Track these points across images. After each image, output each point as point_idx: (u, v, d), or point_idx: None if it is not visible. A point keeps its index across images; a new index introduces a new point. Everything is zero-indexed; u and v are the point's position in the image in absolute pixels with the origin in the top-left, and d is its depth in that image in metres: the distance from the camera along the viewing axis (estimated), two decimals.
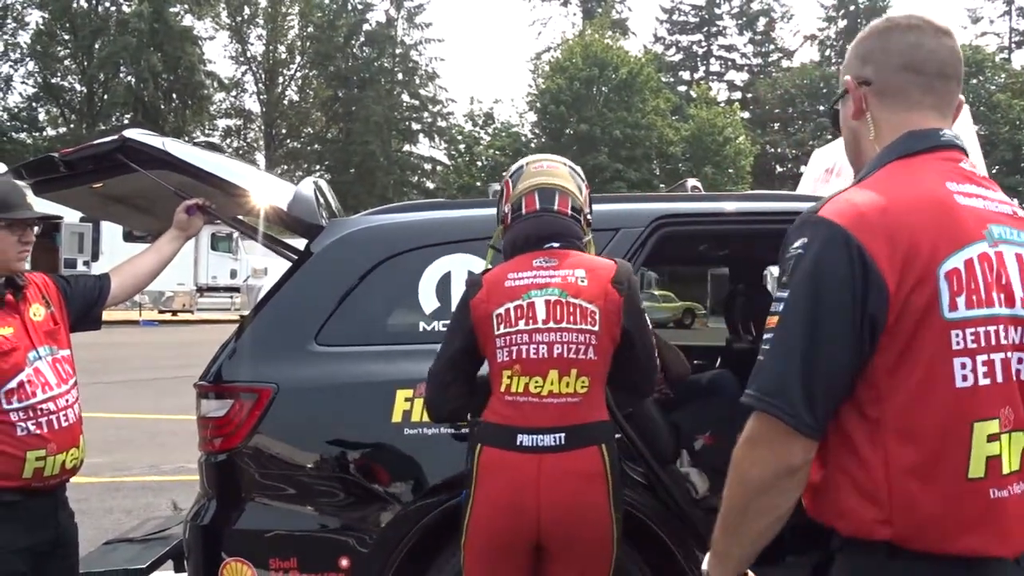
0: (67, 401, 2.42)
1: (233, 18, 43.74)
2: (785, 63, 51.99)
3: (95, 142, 2.91)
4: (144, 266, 2.82)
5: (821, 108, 47.63)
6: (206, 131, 43.88)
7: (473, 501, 2.20)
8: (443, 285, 2.87)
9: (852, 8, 50.26)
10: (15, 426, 2.29)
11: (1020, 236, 1.32)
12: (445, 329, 2.78)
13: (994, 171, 37.09)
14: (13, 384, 2.31)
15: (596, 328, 2.20)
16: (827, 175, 4.02)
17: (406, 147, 48.09)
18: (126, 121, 38.40)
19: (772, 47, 52.35)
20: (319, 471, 2.73)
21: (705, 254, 4.33)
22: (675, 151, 41.43)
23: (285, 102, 47.26)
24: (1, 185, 2.44)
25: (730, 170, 40.18)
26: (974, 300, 1.23)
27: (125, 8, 36.71)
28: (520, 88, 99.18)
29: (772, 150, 47.39)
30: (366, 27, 46.77)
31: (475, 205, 3.22)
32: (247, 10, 44.28)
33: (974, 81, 41.45)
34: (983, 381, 1.22)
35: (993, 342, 1.24)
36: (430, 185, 46.38)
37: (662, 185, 39.24)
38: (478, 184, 40.89)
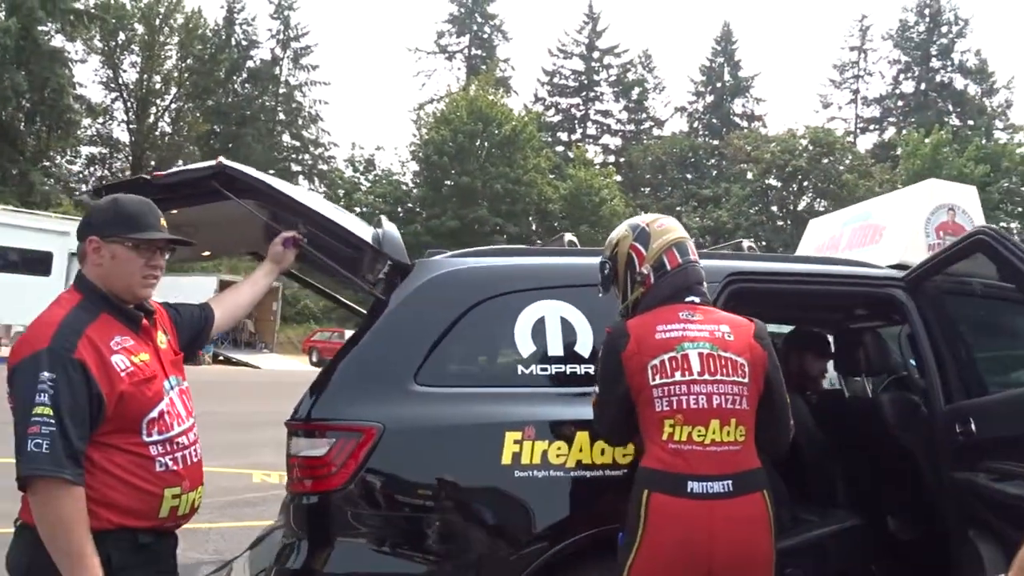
0: (195, 435, 2.30)
1: (107, 42, 41.77)
2: (656, 131, 54.72)
3: (191, 167, 2.83)
4: (243, 297, 2.73)
5: (689, 176, 50.35)
6: (68, 158, 41.47)
7: (640, 545, 2.25)
8: (538, 329, 2.92)
9: (719, 85, 53.75)
10: (154, 461, 2.15)
11: None
12: (543, 373, 2.87)
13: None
14: (155, 414, 2.16)
15: (746, 380, 2.35)
16: (822, 248, 4.41)
17: None
18: None
19: (645, 115, 55.04)
20: (427, 513, 2.68)
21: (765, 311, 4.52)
22: (553, 208, 42.56)
23: (156, 133, 45.34)
24: (134, 203, 2.27)
25: (604, 230, 41.60)
26: None
27: None
28: (403, 137, 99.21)
29: (643, 213, 49.46)
30: (249, 64, 45.83)
31: (563, 253, 3.32)
32: (122, 35, 42.42)
33: (825, 161, 44.99)
34: None
35: None
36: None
37: (539, 240, 40.14)
38: None
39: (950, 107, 51.06)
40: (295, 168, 47.65)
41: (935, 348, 3.19)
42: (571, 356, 2.91)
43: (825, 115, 54.33)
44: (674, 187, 49.88)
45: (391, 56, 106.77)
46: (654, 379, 2.34)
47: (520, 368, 2.88)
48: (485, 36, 54.14)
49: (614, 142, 54.99)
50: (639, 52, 54.75)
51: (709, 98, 54.47)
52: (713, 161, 51.55)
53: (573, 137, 53.47)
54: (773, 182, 46.14)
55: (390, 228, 3.05)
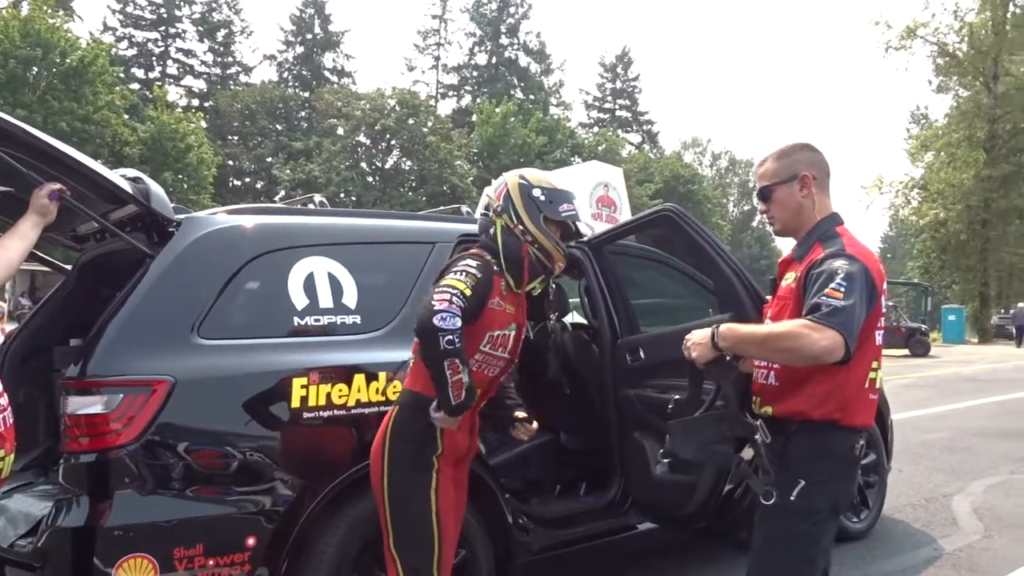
0: (7, 398, 2.20)
1: None
2: (244, 78, 52.82)
3: None
4: (14, 253, 2.55)
5: (280, 127, 49.57)
6: None
7: None
8: (309, 283, 3.17)
9: (309, 37, 53.45)
10: None
11: None
12: (317, 324, 3.15)
13: (424, 200, 43.04)
14: None
15: None
16: None
17: None
18: None
19: (232, 60, 52.71)
20: (224, 458, 2.81)
21: None
22: (132, 152, 39.04)
23: None
24: None
25: (190, 179, 39.41)
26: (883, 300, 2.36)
27: None
28: None
29: (232, 163, 47.61)
30: None
31: (324, 213, 3.53)
32: None
33: (411, 122, 47.46)
34: (880, 342, 2.38)
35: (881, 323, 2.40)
36: None
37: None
38: None
39: (516, 81, 57.03)
40: None
41: (607, 297, 4.07)
42: (340, 308, 3.21)
43: (410, 78, 57.26)
44: (264, 137, 48.79)
45: None
46: None
47: (296, 320, 3.11)
48: None
49: (198, 85, 51.91)
50: None
51: (299, 49, 53.99)
52: (304, 114, 51.36)
53: (151, 75, 49.23)
54: (363, 139, 47.44)
55: (154, 184, 3.05)
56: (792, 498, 2.31)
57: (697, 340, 2.39)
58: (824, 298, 2.19)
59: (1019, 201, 38.49)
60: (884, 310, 2.39)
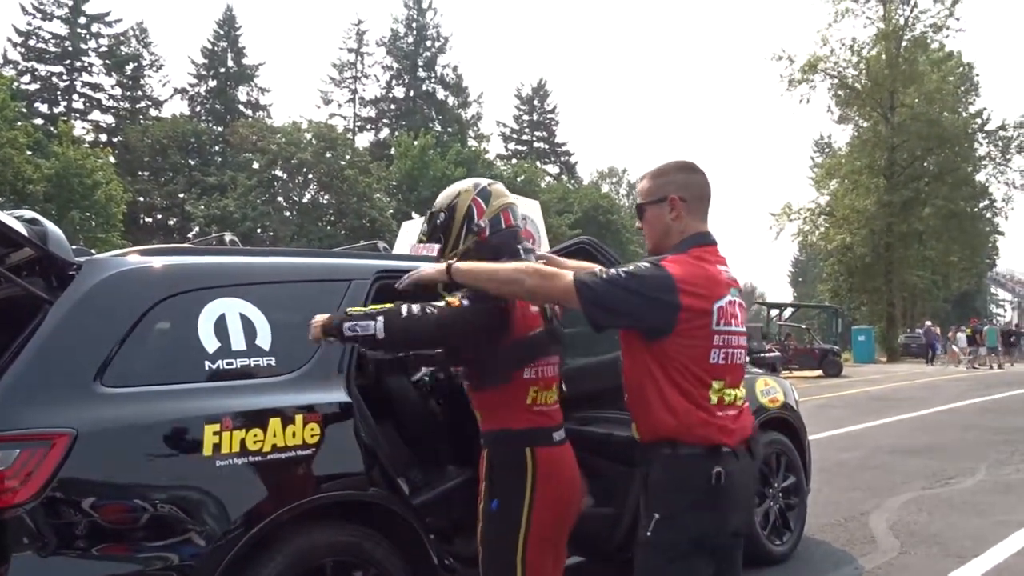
0: None
1: None
2: (155, 112, 51.54)
3: None
4: None
5: (192, 162, 48.44)
6: None
7: (535, 496, 2.61)
8: (220, 325, 3.05)
9: (222, 70, 52.62)
10: None
11: (735, 293, 2.46)
12: (229, 367, 3.04)
13: (343, 234, 42.55)
14: None
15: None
16: (415, 248, 5.09)
17: None
18: None
19: (141, 94, 51.39)
20: (132, 513, 2.64)
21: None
22: (36, 190, 37.52)
23: None
24: None
25: (99, 217, 38.10)
26: (722, 323, 2.31)
27: None
28: None
29: (143, 199, 46.20)
30: None
31: (235, 252, 3.42)
32: None
33: (328, 155, 46.98)
34: (721, 361, 2.32)
35: (731, 343, 2.36)
36: None
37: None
38: None
39: (434, 114, 57.22)
40: None
41: None
42: (254, 350, 3.10)
43: (327, 111, 56.90)
44: (177, 172, 47.53)
45: None
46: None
47: (207, 364, 2.98)
48: None
49: (106, 120, 50.35)
50: (133, 24, 51.04)
51: (212, 83, 53.06)
52: (218, 148, 50.33)
53: (56, 110, 47.51)
54: (279, 173, 46.71)
55: (52, 226, 2.91)
56: (648, 533, 2.25)
57: (427, 272, 2.57)
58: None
59: (918, 225, 40.49)
60: (716, 328, 2.31)
